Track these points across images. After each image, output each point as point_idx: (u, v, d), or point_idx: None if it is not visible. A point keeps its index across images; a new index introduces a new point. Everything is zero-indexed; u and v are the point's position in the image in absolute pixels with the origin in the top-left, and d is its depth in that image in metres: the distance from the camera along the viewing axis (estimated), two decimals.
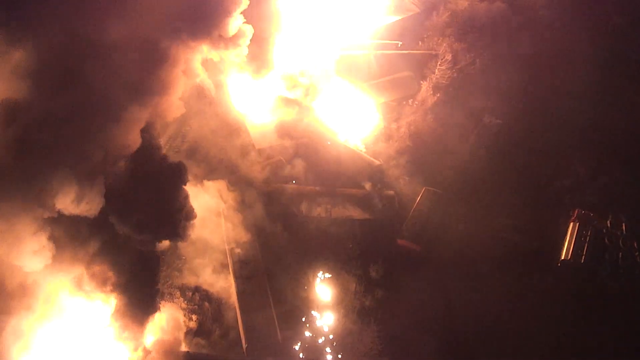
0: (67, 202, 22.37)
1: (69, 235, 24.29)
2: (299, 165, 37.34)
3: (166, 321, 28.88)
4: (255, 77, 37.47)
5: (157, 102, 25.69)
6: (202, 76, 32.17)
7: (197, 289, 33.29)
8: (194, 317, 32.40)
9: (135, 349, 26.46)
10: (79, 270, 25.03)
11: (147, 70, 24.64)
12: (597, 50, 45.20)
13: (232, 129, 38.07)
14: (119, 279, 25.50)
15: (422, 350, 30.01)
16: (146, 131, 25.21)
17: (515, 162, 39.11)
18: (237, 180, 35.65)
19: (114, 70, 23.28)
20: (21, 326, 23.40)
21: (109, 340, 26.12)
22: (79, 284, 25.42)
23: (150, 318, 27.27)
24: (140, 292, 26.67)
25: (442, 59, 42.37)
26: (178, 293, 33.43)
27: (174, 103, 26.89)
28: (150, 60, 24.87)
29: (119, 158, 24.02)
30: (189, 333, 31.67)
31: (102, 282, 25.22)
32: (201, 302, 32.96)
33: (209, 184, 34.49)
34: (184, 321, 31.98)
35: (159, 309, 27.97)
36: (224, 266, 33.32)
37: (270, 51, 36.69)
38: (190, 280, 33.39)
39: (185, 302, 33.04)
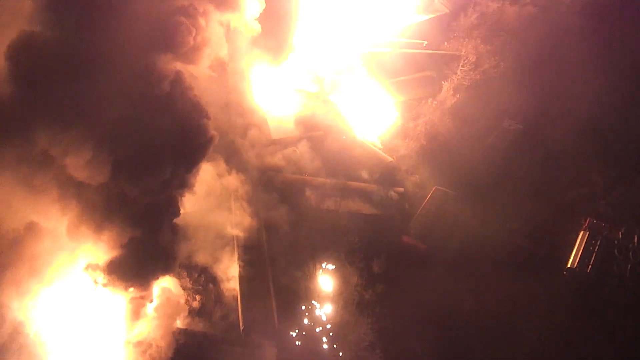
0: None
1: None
2: (312, 157, 37.71)
3: (167, 297, 29.69)
4: (272, 65, 38.23)
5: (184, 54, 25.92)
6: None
7: (203, 271, 34.06)
8: (197, 297, 33.19)
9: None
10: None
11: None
12: (628, 60, 43.96)
13: (250, 119, 38.53)
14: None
15: (415, 346, 30.06)
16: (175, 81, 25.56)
17: (532, 168, 38.70)
18: (249, 167, 36.22)
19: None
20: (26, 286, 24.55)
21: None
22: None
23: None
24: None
25: (464, 60, 42.11)
26: (185, 273, 34.27)
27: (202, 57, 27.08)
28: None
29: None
30: (191, 312, 32.53)
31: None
32: (206, 283, 33.74)
33: (221, 169, 35.15)
34: (187, 300, 32.89)
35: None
36: (232, 251, 34.02)
37: (286, 41, 37.39)
38: (198, 261, 34.19)
39: (191, 282, 33.88)
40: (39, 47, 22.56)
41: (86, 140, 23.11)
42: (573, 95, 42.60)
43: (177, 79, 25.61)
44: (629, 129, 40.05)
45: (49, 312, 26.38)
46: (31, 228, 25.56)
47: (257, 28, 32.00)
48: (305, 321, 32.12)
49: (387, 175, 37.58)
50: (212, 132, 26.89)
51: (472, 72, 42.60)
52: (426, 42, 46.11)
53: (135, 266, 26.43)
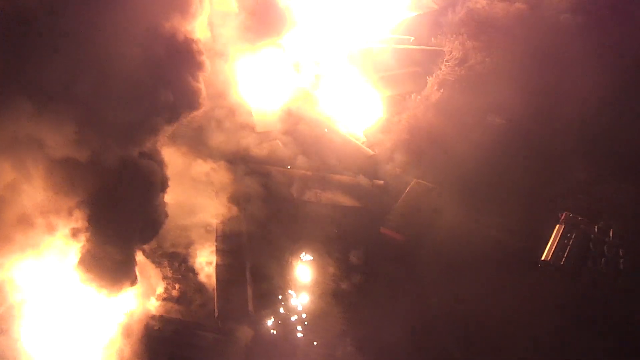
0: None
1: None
2: (295, 149, 38.21)
3: (146, 284, 30.30)
4: (252, 49, 38.72)
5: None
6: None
7: (184, 260, 34.69)
8: (177, 286, 33.82)
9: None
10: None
11: None
12: (615, 58, 44.05)
13: (235, 111, 39.10)
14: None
15: (386, 336, 30.36)
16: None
17: (514, 163, 38.90)
18: (232, 158, 36.77)
19: None
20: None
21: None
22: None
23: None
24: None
25: (449, 56, 42.43)
26: (166, 262, 34.93)
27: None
28: None
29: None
30: (170, 300, 33.15)
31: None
32: (186, 272, 34.36)
33: (204, 158, 35.75)
34: (166, 288, 33.51)
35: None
36: (212, 240, 34.62)
37: (266, 22, 37.91)
38: (179, 250, 34.80)
39: (172, 271, 34.53)
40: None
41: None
42: (559, 92, 42.89)
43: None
44: (614, 126, 40.22)
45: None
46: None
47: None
48: (282, 310, 32.51)
49: (368, 168, 37.95)
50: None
51: (457, 68, 42.96)
52: (413, 38, 46.49)
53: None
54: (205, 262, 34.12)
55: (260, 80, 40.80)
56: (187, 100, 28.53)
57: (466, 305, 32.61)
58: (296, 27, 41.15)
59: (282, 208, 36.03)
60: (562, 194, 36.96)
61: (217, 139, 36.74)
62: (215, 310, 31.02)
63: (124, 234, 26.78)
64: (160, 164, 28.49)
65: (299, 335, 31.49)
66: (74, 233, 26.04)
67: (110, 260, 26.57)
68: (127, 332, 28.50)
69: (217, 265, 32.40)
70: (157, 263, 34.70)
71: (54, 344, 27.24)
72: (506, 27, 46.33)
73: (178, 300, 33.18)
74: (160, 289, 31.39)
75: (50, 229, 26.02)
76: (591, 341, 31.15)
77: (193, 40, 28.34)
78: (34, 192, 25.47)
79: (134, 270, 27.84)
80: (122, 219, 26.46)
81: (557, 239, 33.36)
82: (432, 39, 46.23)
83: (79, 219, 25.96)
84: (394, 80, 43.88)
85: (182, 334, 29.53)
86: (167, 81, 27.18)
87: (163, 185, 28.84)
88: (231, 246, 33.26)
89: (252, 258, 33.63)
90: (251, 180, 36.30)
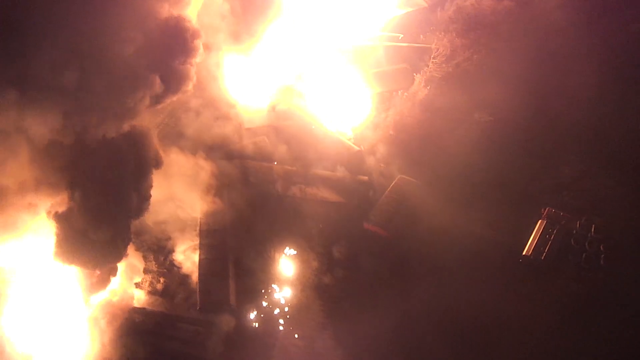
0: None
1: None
2: (281, 146, 38.54)
3: (126, 276, 30.71)
4: (245, 54, 39.05)
5: None
6: None
7: (169, 254, 35.13)
8: (161, 279, 34.33)
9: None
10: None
11: None
12: (607, 57, 43.98)
13: (223, 107, 39.42)
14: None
15: (367, 331, 30.67)
16: None
17: (500, 159, 38.90)
18: (218, 154, 37.09)
19: None
20: None
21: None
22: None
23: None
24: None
25: (436, 53, 42.64)
26: (152, 256, 35.38)
27: None
28: None
29: None
30: (154, 293, 33.58)
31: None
32: (171, 266, 34.80)
33: (190, 153, 36.08)
34: (151, 282, 33.94)
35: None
36: (196, 234, 35.01)
37: (261, 28, 38.21)
38: (164, 244, 35.23)
39: (157, 265, 34.98)
40: None
41: None
42: (546, 89, 42.78)
43: None
44: (601, 123, 40.11)
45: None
46: None
47: None
48: (264, 304, 32.86)
49: (353, 164, 38.17)
50: None
51: (444, 65, 43.07)
52: (402, 35, 46.68)
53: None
54: (190, 256, 34.49)
55: (248, 75, 41.01)
56: (176, 84, 28.70)
57: (448, 300, 32.79)
58: (285, 22, 41.26)
59: (266, 203, 36.28)
60: (546, 190, 36.96)
61: (202, 134, 36.95)
62: (198, 303, 31.35)
63: (112, 212, 26.83)
64: (151, 140, 28.62)
65: (281, 328, 31.77)
66: (57, 213, 26.12)
67: (96, 239, 26.75)
68: (108, 324, 28.80)
69: (200, 260, 32.83)
70: (143, 257, 35.17)
71: (35, 331, 27.49)
72: (494, 24, 46.25)
73: (162, 293, 33.67)
74: (138, 278, 31.61)
75: (33, 208, 26.23)
76: (573, 338, 31.30)
77: (187, 23, 28.50)
78: (18, 171, 25.62)
79: (121, 250, 28.04)
80: (110, 198, 26.57)
81: (539, 235, 33.48)
82: (421, 36, 46.30)
83: (64, 199, 26.09)
84: (382, 77, 44.09)
85: (163, 326, 29.98)
86: (158, 64, 27.31)
87: (157, 162, 28.99)
88: (214, 240, 33.65)
89: (235, 252, 33.97)
90: (236, 175, 36.52)
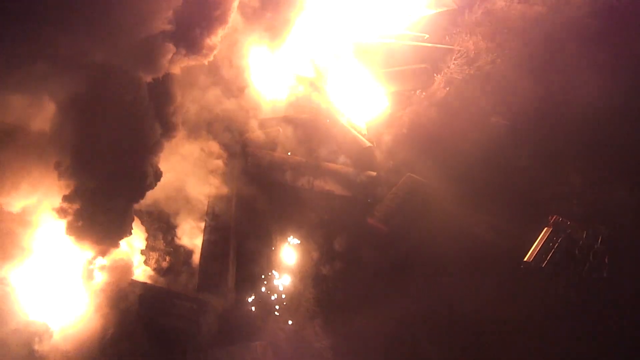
0: None
1: None
2: (293, 137, 39.24)
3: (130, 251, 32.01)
4: (270, 48, 39.86)
5: None
6: None
7: (177, 234, 36.29)
8: (167, 258, 35.49)
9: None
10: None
11: None
12: (633, 69, 42.94)
13: (241, 96, 40.33)
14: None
15: (359, 321, 31.09)
16: None
17: (511, 164, 38.62)
18: (232, 141, 38.06)
19: None
20: None
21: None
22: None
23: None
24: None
25: (457, 54, 42.51)
26: (161, 235, 36.62)
27: None
28: None
29: None
30: (159, 271, 34.81)
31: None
32: (177, 246, 35.96)
33: (203, 139, 37.17)
34: (157, 260, 35.18)
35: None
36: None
37: (286, 22, 38.94)
38: (173, 224, 36.42)
39: (164, 244, 36.19)
40: None
41: None
42: (567, 97, 42.05)
43: None
44: (617, 133, 39.28)
45: None
46: None
47: None
48: (263, 289, 33.64)
49: (364, 160, 38.48)
50: None
51: (465, 67, 42.85)
52: (427, 35, 46.62)
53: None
54: (196, 237, 35.55)
55: (269, 66, 41.80)
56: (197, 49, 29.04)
57: (444, 301, 32.88)
58: (309, 14, 41.86)
59: (274, 192, 37.05)
60: (556, 198, 36.44)
61: (217, 121, 37.92)
62: (197, 282, 32.36)
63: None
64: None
65: (276, 314, 32.48)
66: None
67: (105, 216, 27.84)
68: (107, 294, 30.03)
69: (204, 241, 33.79)
70: (153, 236, 36.44)
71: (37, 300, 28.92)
72: (522, 30, 45.76)
73: (166, 271, 34.79)
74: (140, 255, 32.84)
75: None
76: (568, 345, 30.97)
77: None
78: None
79: (128, 225, 29.11)
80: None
81: (543, 242, 33.12)
82: (447, 37, 46.16)
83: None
84: (402, 75, 44.13)
85: (161, 301, 30.95)
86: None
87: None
88: (219, 224, 34.54)
89: (239, 237, 34.82)
90: (247, 163, 37.39)
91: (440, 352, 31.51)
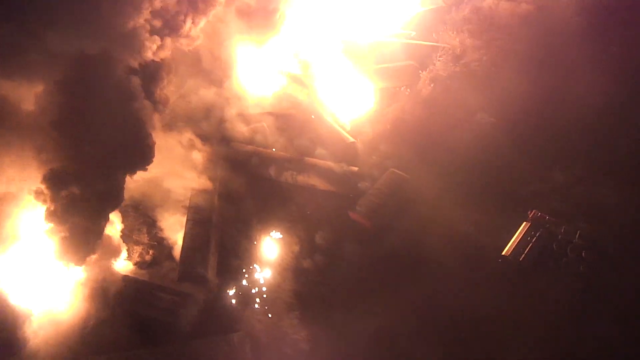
0: None
1: None
2: (278, 132, 39.60)
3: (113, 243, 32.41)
4: (257, 43, 40.22)
5: None
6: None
7: (161, 228, 36.68)
8: (150, 251, 35.89)
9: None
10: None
11: None
12: (620, 68, 43.01)
13: (227, 90, 40.69)
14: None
15: (336, 314, 31.39)
16: None
17: (495, 161, 38.76)
18: (216, 136, 38.44)
19: None
20: None
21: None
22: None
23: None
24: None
25: (442, 51, 42.78)
26: (145, 229, 37.03)
27: None
28: None
29: None
30: (142, 264, 35.21)
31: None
32: (161, 240, 36.35)
33: (186, 132, 37.54)
34: (141, 254, 35.58)
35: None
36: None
37: (274, 18, 39.30)
38: (157, 218, 36.81)
39: (148, 237, 36.60)
40: None
41: None
42: (553, 95, 42.20)
43: None
44: (602, 131, 39.41)
45: None
46: None
47: None
48: (244, 282, 34.00)
49: (347, 155, 38.80)
50: None
51: (451, 64, 43.10)
52: (414, 33, 46.94)
53: None
54: (180, 231, 35.92)
55: (255, 62, 42.14)
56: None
57: (424, 295, 33.02)
58: (296, 13, 42.23)
59: (257, 186, 37.43)
60: (537, 194, 36.57)
61: (201, 116, 38.29)
62: (177, 274, 32.75)
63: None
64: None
65: (256, 306, 32.82)
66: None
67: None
68: (89, 288, 30.47)
69: (185, 234, 34.16)
70: (137, 229, 36.85)
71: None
72: (510, 27, 45.95)
73: (150, 264, 35.18)
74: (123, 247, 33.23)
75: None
76: (547, 341, 31.18)
77: None
78: None
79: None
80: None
81: (521, 236, 33.30)
82: (433, 34, 46.43)
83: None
84: (388, 72, 44.50)
85: (141, 293, 31.36)
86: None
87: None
88: (201, 216, 34.88)
89: (221, 230, 35.20)
90: (230, 157, 37.76)
91: (418, 346, 31.58)
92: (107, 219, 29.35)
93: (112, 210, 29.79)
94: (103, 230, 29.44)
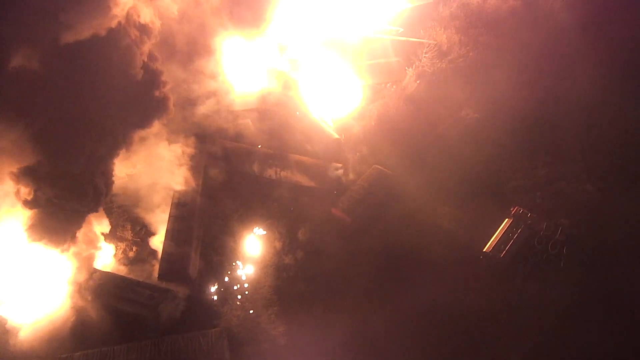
0: None
1: None
2: (262, 128, 39.58)
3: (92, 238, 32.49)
4: (246, 38, 40.12)
5: None
6: None
7: (145, 225, 36.74)
8: (134, 248, 35.99)
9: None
10: None
11: None
12: (606, 62, 43.01)
13: (212, 86, 40.60)
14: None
15: (315, 310, 31.49)
16: None
17: (479, 156, 38.79)
18: (201, 132, 38.39)
19: None
20: None
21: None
22: None
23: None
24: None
25: (427, 48, 42.72)
26: (129, 226, 37.12)
27: None
28: None
29: None
30: (125, 260, 35.32)
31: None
32: (145, 236, 36.41)
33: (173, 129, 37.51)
34: (124, 250, 35.68)
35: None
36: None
37: (261, 15, 39.21)
38: (141, 214, 36.85)
39: (132, 234, 36.69)
40: None
41: None
42: (537, 91, 42.34)
43: None
44: (587, 127, 39.49)
45: None
46: None
47: None
48: (226, 279, 34.04)
49: (331, 151, 38.78)
50: None
51: (437, 61, 43.05)
52: (402, 29, 46.84)
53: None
54: (163, 227, 35.96)
55: (242, 58, 42.08)
56: None
57: (405, 291, 33.07)
58: (284, 10, 42.10)
59: (241, 183, 37.42)
60: (520, 190, 36.67)
61: (188, 113, 38.25)
62: (158, 270, 32.82)
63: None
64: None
65: (238, 303, 32.85)
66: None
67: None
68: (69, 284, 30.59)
69: (167, 230, 34.18)
70: (121, 226, 36.94)
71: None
72: (496, 23, 45.94)
73: (132, 261, 35.27)
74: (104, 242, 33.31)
75: None
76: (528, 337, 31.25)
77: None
78: None
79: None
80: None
81: (502, 232, 33.34)
82: (421, 31, 46.35)
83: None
84: (375, 69, 44.42)
85: (122, 289, 31.41)
86: None
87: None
88: (184, 213, 34.90)
89: (203, 227, 35.23)
90: (214, 153, 37.76)
91: (397, 342, 31.66)
92: (91, 200, 29.15)
93: (99, 196, 29.64)
94: (85, 212, 29.31)
